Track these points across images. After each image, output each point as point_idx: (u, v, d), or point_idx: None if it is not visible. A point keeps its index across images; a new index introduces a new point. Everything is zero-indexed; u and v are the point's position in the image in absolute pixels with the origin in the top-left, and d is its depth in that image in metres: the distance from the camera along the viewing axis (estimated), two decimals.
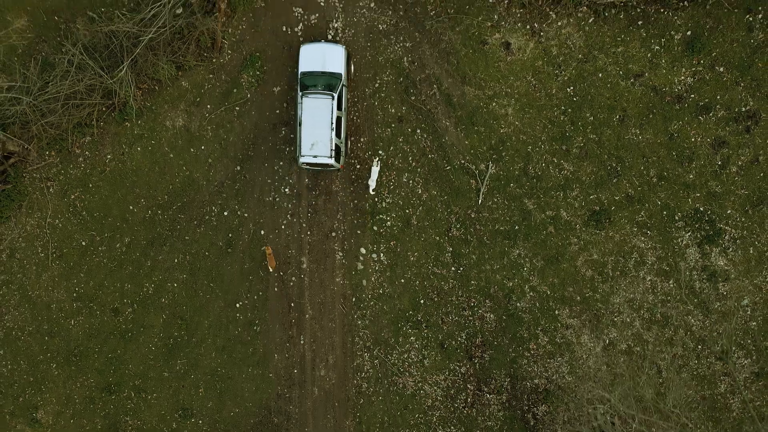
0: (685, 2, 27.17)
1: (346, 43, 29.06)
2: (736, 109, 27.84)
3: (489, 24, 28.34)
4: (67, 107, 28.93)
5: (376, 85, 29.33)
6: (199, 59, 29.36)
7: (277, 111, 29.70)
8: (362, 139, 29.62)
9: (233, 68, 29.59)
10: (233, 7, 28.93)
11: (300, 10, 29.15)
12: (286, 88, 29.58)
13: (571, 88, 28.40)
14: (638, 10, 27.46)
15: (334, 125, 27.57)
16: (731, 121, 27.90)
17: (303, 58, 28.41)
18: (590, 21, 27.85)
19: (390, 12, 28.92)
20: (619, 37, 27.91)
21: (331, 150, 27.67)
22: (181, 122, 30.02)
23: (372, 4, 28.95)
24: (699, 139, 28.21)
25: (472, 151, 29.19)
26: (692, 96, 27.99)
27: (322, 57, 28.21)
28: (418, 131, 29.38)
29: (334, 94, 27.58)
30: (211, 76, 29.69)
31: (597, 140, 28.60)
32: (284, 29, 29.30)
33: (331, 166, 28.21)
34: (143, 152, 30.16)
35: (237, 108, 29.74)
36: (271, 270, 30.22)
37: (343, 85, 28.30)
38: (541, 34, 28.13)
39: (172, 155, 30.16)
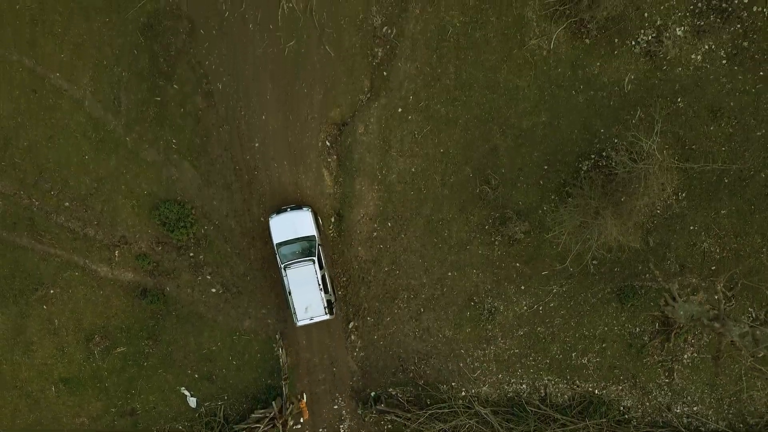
0: None
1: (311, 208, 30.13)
2: None
3: None
4: None
5: None
6: None
7: None
8: None
9: None
10: None
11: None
12: None
13: None
14: None
15: (321, 286, 29.40)
16: None
17: (274, 229, 29.53)
18: None
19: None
20: None
21: (324, 308, 29.52)
22: None
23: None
24: None
25: None
26: None
27: (292, 224, 29.43)
28: None
29: (314, 258, 29.03)
30: None
31: None
32: None
33: (327, 319, 30.07)
34: None
35: None
36: (303, 420, 32.73)
37: (318, 244, 29.45)
38: None
39: None
